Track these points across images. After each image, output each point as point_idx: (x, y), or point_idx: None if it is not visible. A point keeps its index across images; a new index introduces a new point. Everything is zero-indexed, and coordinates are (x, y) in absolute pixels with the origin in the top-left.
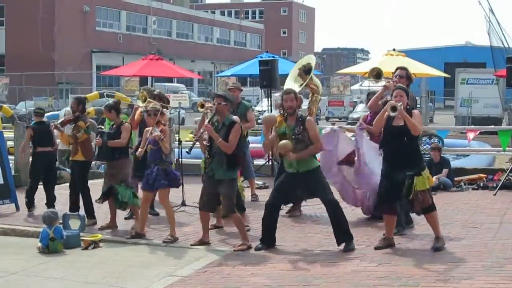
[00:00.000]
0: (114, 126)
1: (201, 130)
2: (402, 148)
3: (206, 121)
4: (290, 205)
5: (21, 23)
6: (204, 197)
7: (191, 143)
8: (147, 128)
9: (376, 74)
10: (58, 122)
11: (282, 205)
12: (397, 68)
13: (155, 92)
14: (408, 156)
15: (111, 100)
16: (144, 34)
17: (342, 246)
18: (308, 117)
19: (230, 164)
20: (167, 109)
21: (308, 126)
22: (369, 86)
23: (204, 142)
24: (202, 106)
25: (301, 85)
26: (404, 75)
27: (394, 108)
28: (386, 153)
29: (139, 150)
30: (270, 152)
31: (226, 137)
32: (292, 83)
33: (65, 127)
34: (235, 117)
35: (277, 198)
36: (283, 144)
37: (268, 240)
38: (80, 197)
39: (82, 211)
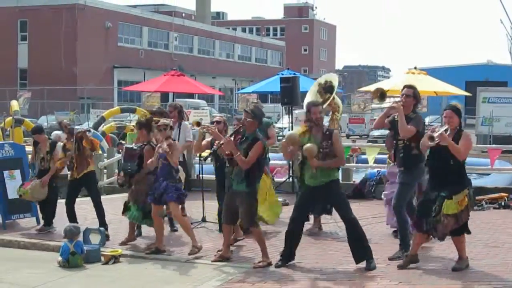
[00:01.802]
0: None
1: (221, 142)
2: (445, 168)
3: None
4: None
5: (43, 38)
6: (226, 209)
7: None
8: (159, 145)
9: (380, 94)
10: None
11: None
12: (405, 87)
13: (154, 109)
14: (447, 177)
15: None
16: (166, 50)
17: (362, 264)
18: (335, 130)
19: (248, 179)
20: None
21: (335, 140)
22: (390, 102)
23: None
24: (198, 124)
25: (323, 102)
26: (411, 94)
27: (431, 138)
28: (429, 170)
29: (150, 161)
30: (291, 170)
31: (246, 152)
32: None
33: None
34: (261, 136)
35: (300, 212)
36: (310, 147)
37: (288, 255)
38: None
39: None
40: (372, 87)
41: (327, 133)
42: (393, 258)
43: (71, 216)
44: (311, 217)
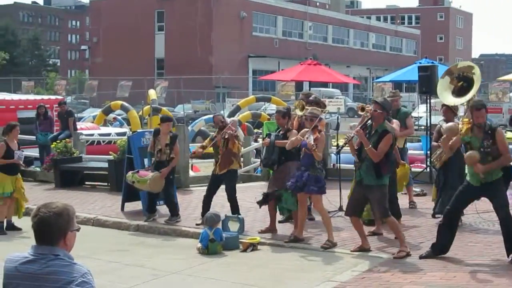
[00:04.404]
0: (281, 132)
1: (352, 134)
2: None
3: (359, 126)
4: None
5: (180, 28)
6: (351, 202)
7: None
8: (305, 129)
9: None
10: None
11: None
12: None
13: (311, 98)
14: None
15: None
16: (300, 39)
17: (503, 256)
18: (498, 128)
19: (377, 172)
20: (324, 113)
21: (498, 138)
22: None
23: (354, 145)
24: (363, 109)
25: (455, 90)
26: None
27: None
28: None
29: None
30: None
31: (376, 145)
32: (446, 94)
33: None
34: (390, 126)
35: (458, 206)
36: (471, 156)
37: (439, 248)
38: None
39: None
40: (511, 77)
41: (489, 132)
42: None
43: (205, 207)
44: None
